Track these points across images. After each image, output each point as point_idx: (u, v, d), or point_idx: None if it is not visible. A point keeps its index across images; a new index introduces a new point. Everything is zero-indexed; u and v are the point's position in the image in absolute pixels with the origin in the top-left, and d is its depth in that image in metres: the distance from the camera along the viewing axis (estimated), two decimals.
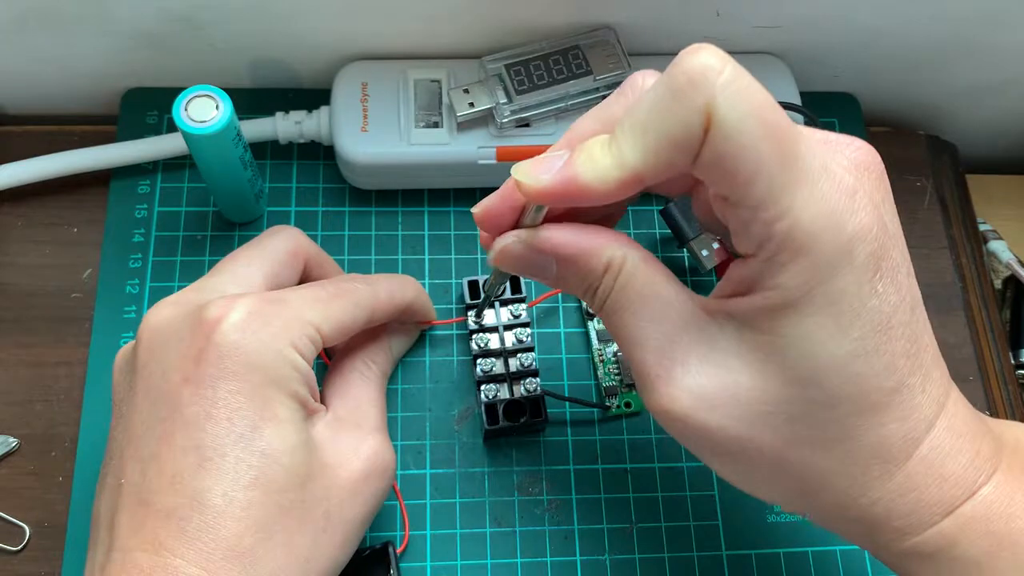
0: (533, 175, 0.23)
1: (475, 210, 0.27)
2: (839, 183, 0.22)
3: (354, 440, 0.29)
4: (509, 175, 0.24)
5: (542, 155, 0.24)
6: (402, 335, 0.36)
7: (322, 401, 0.31)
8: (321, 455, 0.28)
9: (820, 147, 0.23)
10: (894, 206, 0.24)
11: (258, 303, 0.27)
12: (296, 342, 0.27)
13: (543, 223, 0.26)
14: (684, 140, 0.21)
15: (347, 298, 0.30)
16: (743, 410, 0.24)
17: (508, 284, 0.37)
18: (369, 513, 0.29)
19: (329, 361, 0.34)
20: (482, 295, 0.35)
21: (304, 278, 0.33)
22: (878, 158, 0.24)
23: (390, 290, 0.32)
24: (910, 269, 0.24)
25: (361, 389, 0.32)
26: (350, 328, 0.30)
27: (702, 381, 0.24)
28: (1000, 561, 0.24)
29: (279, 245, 0.32)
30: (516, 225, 0.26)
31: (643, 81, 0.25)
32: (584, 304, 0.38)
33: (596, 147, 0.23)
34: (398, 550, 0.33)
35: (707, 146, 0.21)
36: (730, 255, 0.24)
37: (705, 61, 0.21)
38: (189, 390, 0.26)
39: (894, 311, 0.23)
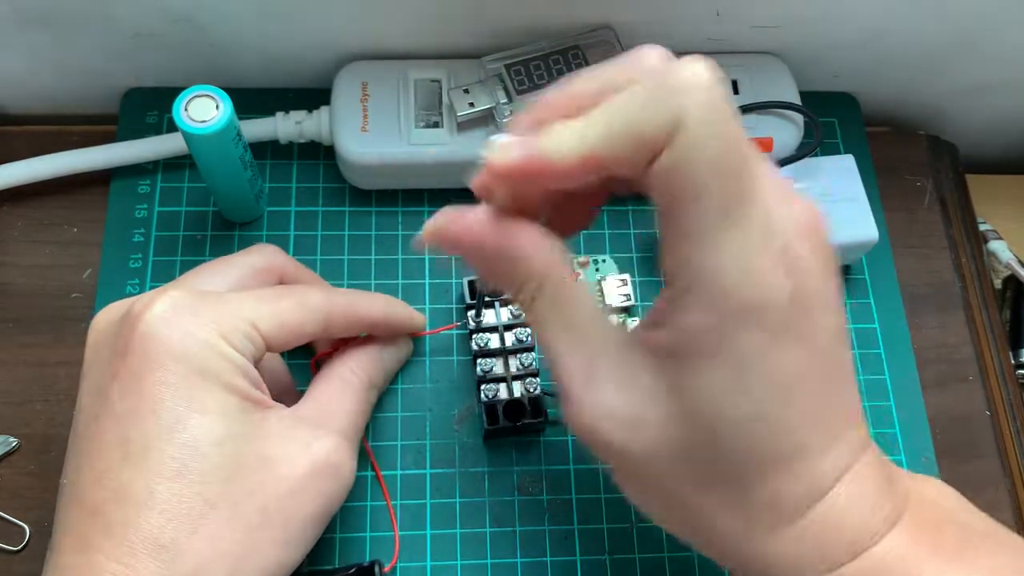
0: (501, 151, 0.23)
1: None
2: (771, 242, 0.22)
3: (307, 437, 0.28)
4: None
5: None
6: (395, 348, 0.35)
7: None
8: (262, 448, 0.27)
9: (771, 198, 0.23)
10: (833, 268, 0.24)
11: (185, 296, 0.27)
12: (227, 334, 0.27)
13: (493, 212, 0.25)
14: (649, 137, 0.21)
15: (293, 299, 0.30)
16: (647, 438, 0.24)
17: None
18: (318, 513, 0.28)
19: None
20: (478, 291, 0.35)
21: None
22: (820, 218, 0.24)
23: (351, 301, 0.32)
24: (838, 338, 0.24)
25: (335, 393, 0.31)
26: (297, 329, 0.29)
27: (614, 403, 0.25)
28: None
29: (250, 260, 0.31)
30: None
31: (648, 55, 0.24)
32: None
33: (563, 126, 0.23)
34: (387, 568, 0.33)
35: (666, 152, 0.21)
36: None
37: (696, 72, 0.21)
38: (118, 385, 0.26)
39: (801, 377, 0.23)
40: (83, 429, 0.27)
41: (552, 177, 0.23)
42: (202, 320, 0.27)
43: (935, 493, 0.27)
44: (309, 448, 0.28)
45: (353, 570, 0.32)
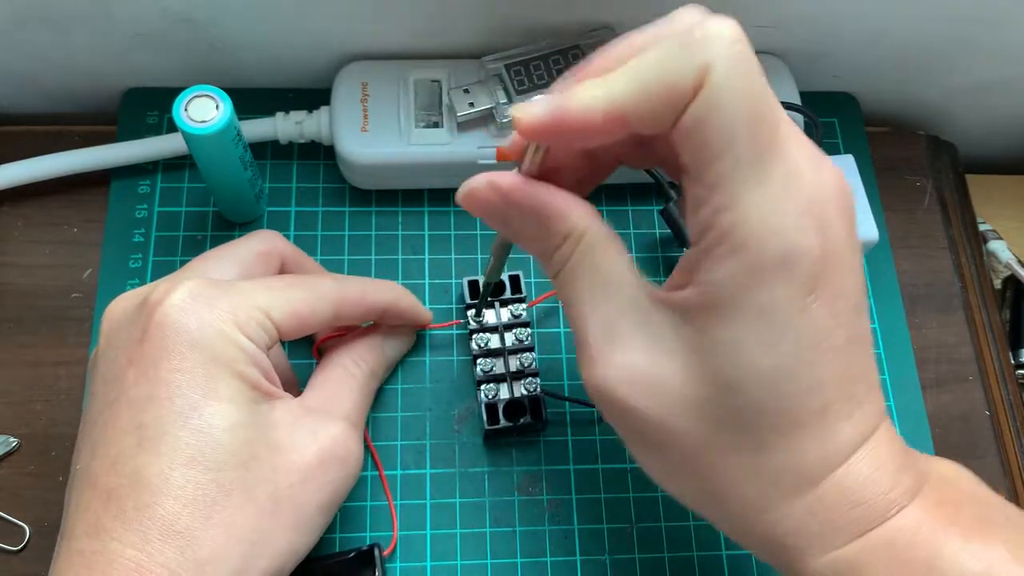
0: (527, 108, 0.24)
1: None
2: (799, 196, 0.22)
3: (315, 425, 0.29)
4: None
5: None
6: (397, 338, 0.36)
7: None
8: (272, 437, 0.27)
9: (801, 157, 0.23)
10: (855, 238, 0.24)
11: (201, 285, 0.27)
12: (242, 324, 0.27)
13: (524, 176, 0.26)
14: (674, 91, 0.21)
15: (304, 288, 0.30)
16: (667, 400, 0.24)
17: (508, 283, 0.37)
18: (327, 501, 0.28)
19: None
20: (481, 285, 0.35)
21: None
22: (847, 186, 0.24)
23: (361, 289, 0.32)
24: (860, 303, 0.24)
25: (340, 382, 0.32)
26: (308, 319, 0.30)
27: (634, 362, 0.24)
28: None
29: (251, 245, 0.32)
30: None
31: (683, 15, 0.24)
32: None
33: (590, 83, 0.23)
34: (385, 552, 0.33)
35: (692, 106, 0.21)
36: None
37: (722, 28, 0.21)
38: (134, 371, 0.26)
39: (826, 335, 0.23)
40: (97, 415, 0.27)
41: (579, 132, 0.23)
42: (218, 309, 0.27)
43: (953, 472, 0.27)
44: (317, 436, 0.29)
45: (353, 554, 0.32)
